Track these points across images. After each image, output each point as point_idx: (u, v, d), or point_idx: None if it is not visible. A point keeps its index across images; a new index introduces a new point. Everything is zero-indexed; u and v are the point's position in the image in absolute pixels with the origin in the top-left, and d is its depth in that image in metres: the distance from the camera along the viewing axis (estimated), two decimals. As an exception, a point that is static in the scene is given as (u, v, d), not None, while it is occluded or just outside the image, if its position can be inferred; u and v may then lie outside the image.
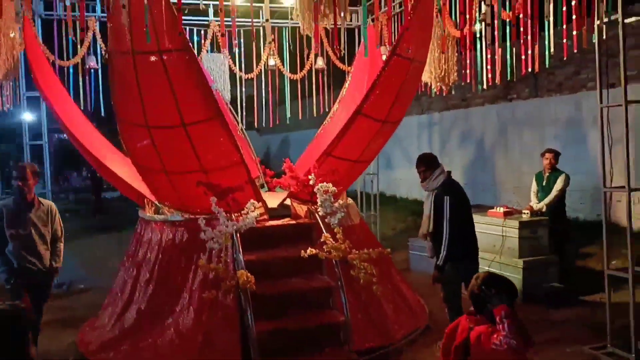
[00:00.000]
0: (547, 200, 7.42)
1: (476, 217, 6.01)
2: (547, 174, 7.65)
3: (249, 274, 4.53)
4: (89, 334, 6.12)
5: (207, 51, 9.02)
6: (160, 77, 4.66)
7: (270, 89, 9.76)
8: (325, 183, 5.15)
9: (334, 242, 4.84)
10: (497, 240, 7.24)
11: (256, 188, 5.50)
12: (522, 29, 6.36)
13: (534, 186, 7.85)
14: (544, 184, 7.64)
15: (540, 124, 12.86)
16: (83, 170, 23.96)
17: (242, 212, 5.22)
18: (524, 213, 7.36)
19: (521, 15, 6.19)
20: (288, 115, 10.27)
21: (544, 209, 7.39)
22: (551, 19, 5.92)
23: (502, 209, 7.48)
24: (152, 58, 4.56)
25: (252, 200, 5.16)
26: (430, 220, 5.10)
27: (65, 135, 11.91)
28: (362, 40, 7.77)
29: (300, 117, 10.47)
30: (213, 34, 9.06)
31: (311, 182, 5.29)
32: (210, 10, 9.15)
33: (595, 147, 10.83)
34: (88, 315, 6.70)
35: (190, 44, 4.92)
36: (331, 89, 9.87)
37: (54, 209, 5.36)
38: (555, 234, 7.29)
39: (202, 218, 4.98)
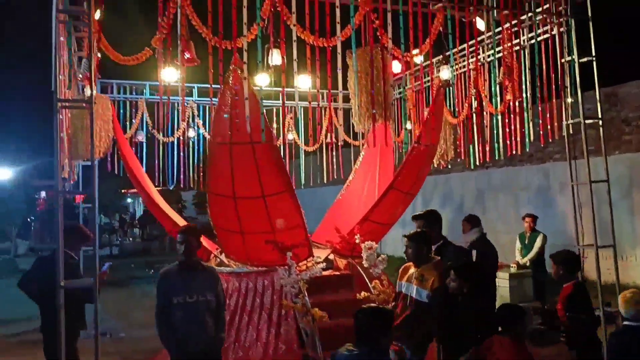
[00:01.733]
0: (529, 256, 9.08)
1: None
2: (528, 234, 9.34)
3: (321, 311, 5.96)
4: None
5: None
6: (249, 161, 6.20)
7: (287, 157, 11.35)
8: (369, 241, 6.70)
9: (381, 287, 6.33)
10: (490, 288, 8.82)
11: (310, 245, 6.99)
12: (506, 121, 8.15)
13: (517, 244, 9.51)
14: (526, 242, 9.31)
15: (514, 190, 14.76)
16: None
17: (303, 264, 6.68)
18: (512, 267, 8.99)
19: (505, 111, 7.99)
20: (302, 181, 11.86)
21: (527, 264, 9.03)
22: (530, 114, 7.72)
23: (492, 264, 9.08)
24: (246, 147, 6.11)
25: (317, 255, 6.64)
26: None
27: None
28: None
29: (311, 183, 12.09)
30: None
31: (357, 241, 6.83)
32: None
33: (563, 210, 12.78)
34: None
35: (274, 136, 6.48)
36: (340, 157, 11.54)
37: (216, 274, 5.19)
38: (537, 283, 8.91)
39: (282, 268, 6.40)
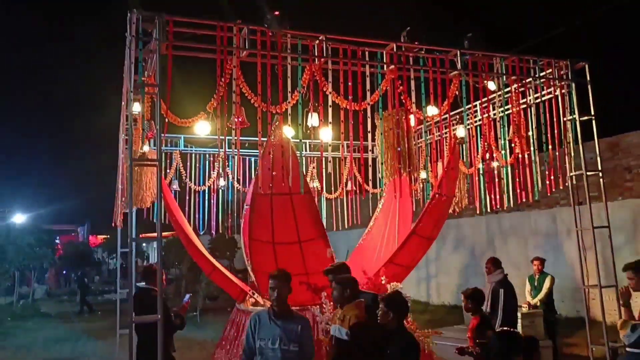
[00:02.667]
0: (540, 296, 9.69)
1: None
2: (537, 277, 9.96)
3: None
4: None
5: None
6: (287, 210, 6.98)
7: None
8: (394, 282, 7.37)
9: (406, 323, 6.96)
10: (504, 328, 9.40)
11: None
12: (516, 171, 8.91)
13: (527, 286, 10.12)
14: (535, 284, 9.92)
15: (523, 234, 15.41)
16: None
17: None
18: (524, 307, 9.58)
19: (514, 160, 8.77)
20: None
21: (538, 304, 9.63)
22: (537, 166, 8.49)
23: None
24: (285, 198, 6.89)
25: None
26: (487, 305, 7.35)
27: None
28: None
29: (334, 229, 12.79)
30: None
31: (383, 282, 7.50)
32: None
33: (570, 254, 13.40)
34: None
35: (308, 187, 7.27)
36: (357, 206, 12.28)
37: (307, 324, 4.86)
38: (547, 322, 9.48)
39: (315, 307, 7.07)
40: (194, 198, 11.42)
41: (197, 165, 11.50)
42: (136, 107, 8.20)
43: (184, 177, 11.16)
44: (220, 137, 6.17)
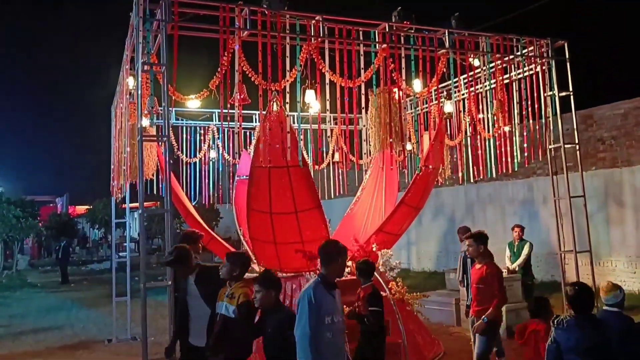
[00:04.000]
0: (518, 262, 10.28)
1: (467, 275, 8.87)
2: (516, 243, 10.55)
3: (346, 307, 7.07)
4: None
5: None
6: (284, 181, 7.34)
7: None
8: (385, 249, 7.85)
9: (397, 287, 7.47)
10: (484, 291, 10.01)
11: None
12: (497, 143, 9.39)
13: (507, 252, 10.70)
14: (514, 250, 10.51)
15: (500, 203, 16.05)
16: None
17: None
18: (503, 271, 10.16)
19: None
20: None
21: (517, 269, 10.23)
22: (517, 138, 8.97)
23: (485, 269, 10.29)
24: (282, 170, 7.25)
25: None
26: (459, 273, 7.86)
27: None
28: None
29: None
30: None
31: (374, 249, 7.97)
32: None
33: (545, 221, 14.07)
34: None
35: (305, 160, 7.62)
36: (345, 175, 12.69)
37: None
38: (525, 286, 10.11)
39: (310, 273, 7.51)
40: (186, 170, 11.70)
41: (189, 137, 11.76)
42: (130, 82, 8.47)
43: (175, 150, 11.41)
44: (224, 111, 6.45)
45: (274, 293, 4.72)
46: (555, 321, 4.43)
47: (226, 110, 6.93)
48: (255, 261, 8.65)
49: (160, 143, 8.40)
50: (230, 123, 8.03)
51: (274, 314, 4.66)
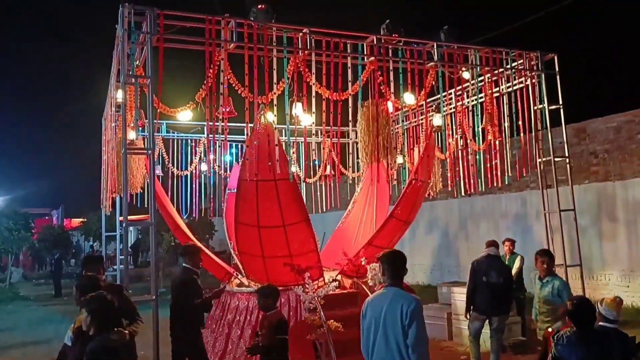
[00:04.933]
0: (510, 275, 10.16)
1: (459, 289, 8.76)
2: (508, 257, 10.47)
3: (336, 323, 6.99)
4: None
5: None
6: (272, 195, 7.29)
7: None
8: (374, 263, 7.76)
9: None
10: (476, 305, 9.91)
11: (321, 267, 8.04)
12: (487, 156, 9.36)
13: (498, 266, 10.61)
14: (506, 264, 10.42)
15: (494, 216, 16.00)
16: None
17: (315, 283, 7.71)
18: (495, 285, 10.07)
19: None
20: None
21: (508, 283, 10.13)
22: (508, 152, 8.95)
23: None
24: (270, 184, 7.20)
25: (330, 275, 7.69)
26: None
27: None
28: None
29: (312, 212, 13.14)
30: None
31: (363, 263, 7.90)
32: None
33: (538, 235, 14.00)
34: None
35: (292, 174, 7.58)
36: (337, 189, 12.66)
37: None
38: (517, 300, 10.01)
39: (298, 287, 7.43)
40: (177, 183, 11.65)
41: (180, 150, 11.73)
42: (119, 95, 8.45)
43: (166, 162, 11.38)
44: (210, 123, 6.40)
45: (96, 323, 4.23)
46: (556, 337, 4.37)
47: (212, 123, 6.88)
48: (244, 274, 8.59)
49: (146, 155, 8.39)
50: (218, 136, 8.07)
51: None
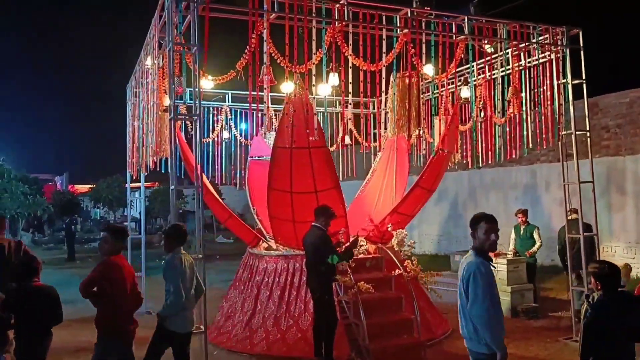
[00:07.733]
0: (536, 246, 10.40)
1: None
2: (523, 227, 10.79)
3: (366, 284, 7.34)
4: (219, 337, 8.61)
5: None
6: (306, 161, 7.57)
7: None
8: (400, 229, 8.10)
9: (412, 266, 7.74)
10: (490, 272, 10.30)
11: (349, 233, 8.37)
12: (507, 129, 9.59)
13: (512, 235, 10.94)
14: (521, 233, 10.75)
15: (503, 188, 16.32)
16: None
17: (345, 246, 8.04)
18: (508, 254, 10.45)
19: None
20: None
21: (536, 252, 10.42)
22: (528, 124, 9.18)
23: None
24: (304, 151, 7.47)
25: (360, 237, 8.02)
26: None
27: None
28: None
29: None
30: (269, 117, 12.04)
31: (389, 229, 8.22)
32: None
33: (547, 207, 14.35)
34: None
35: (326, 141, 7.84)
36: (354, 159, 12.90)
37: None
38: (528, 268, 10.40)
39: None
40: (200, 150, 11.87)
41: (202, 118, 11.92)
42: (149, 62, 8.64)
43: (189, 130, 11.58)
44: (252, 92, 6.61)
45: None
46: (589, 298, 4.61)
47: (255, 93, 7.02)
48: (272, 238, 8.92)
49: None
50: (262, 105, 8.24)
51: None
